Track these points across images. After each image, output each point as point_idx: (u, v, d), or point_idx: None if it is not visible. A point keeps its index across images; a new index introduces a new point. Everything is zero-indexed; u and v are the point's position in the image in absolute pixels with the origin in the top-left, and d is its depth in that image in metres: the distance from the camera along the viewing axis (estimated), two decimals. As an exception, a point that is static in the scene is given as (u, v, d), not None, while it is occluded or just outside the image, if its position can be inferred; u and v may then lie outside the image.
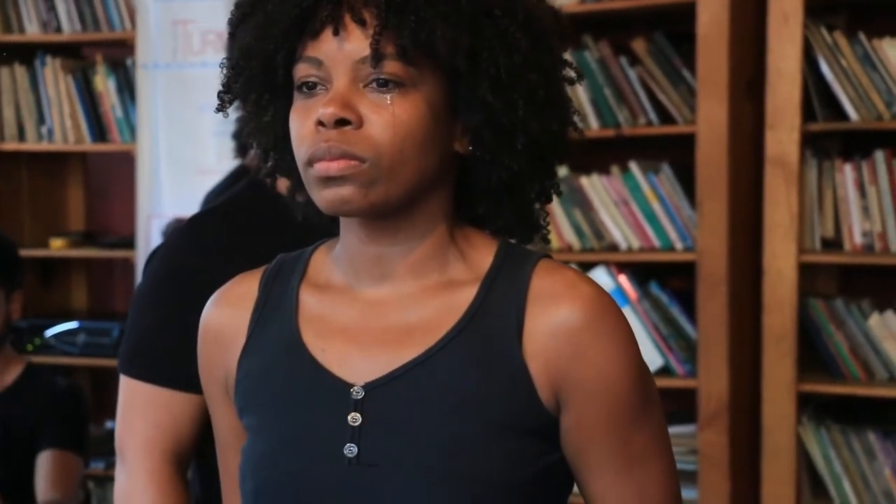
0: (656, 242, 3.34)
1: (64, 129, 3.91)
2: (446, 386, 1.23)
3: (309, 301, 1.31)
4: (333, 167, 1.18)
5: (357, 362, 1.27)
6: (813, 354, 3.26)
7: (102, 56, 4.00)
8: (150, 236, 3.70)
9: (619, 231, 3.37)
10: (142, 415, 1.77)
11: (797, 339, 3.14)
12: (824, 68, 3.20)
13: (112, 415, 3.89)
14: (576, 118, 1.33)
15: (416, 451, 1.23)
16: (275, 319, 1.32)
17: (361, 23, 1.17)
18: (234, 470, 1.34)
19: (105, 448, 3.93)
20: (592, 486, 1.28)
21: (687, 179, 3.28)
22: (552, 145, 1.28)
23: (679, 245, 3.31)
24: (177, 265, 1.79)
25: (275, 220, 1.66)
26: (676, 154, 3.41)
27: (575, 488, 1.31)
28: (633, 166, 3.34)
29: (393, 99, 1.18)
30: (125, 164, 3.94)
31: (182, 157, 3.69)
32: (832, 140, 3.35)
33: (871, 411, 3.25)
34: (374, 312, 1.28)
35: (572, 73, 1.33)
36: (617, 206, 3.37)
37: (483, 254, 1.29)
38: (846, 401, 3.24)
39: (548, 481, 1.26)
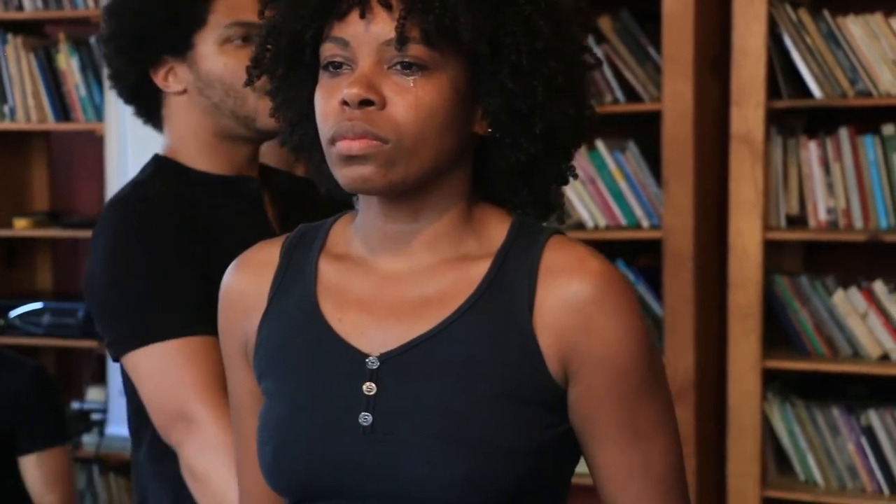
0: (623, 220, 3.34)
1: (26, 108, 3.85)
2: (458, 357, 1.27)
3: (327, 271, 1.34)
4: (356, 146, 1.21)
5: (372, 333, 1.30)
6: (778, 331, 3.27)
7: (65, 34, 3.92)
8: (115, 216, 3.62)
9: (585, 209, 3.36)
10: (188, 370, 1.73)
11: (762, 315, 3.15)
12: (789, 46, 3.21)
13: (79, 395, 3.89)
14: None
15: (428, 420, 1.26)
16: (295, 287, 1.34)
17: (387, 6, 1.19)
18: (250, 433, 1.36)
19: (72, 429, 3.89)
20: (598, 458, 1.31)
21: (653, 157, 3.28)
22: (569, 130, 1.31)
23: (645, 223, 3.31)
24: (143, 222, 1.79)
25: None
26: (642, 132, 3.39)
27: (582, 461, 1.35)
28: (600, 144, 3.33)
29: (416, 81, 1.21)
30: (89, 144, 3.88)
31: (149, 136, 3.54)
32: (797, 117, 3.35)
33: (835, 387, 3.27)
34: (390, 285, 1.31)
35: (592, 60, 1.35)
36: (583, 185, 3.37)
37: (497, 229, 1.32)
38: (811, 377, 3.26)
39: (555, 451, 1.30)
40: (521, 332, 1.28)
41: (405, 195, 1.27)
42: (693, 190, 3.14)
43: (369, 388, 1.28)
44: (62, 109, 3.86)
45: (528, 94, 1.25)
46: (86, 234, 3.96)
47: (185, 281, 1.78)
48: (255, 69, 1.31)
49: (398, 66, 1.21)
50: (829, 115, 3.32)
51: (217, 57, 1.85)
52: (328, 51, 1.23)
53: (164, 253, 1.79)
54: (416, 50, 1.20)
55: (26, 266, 4.13)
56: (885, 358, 3.17)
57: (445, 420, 1.26)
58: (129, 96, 1.97)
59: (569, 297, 1.27)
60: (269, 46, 1.29)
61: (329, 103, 1.22)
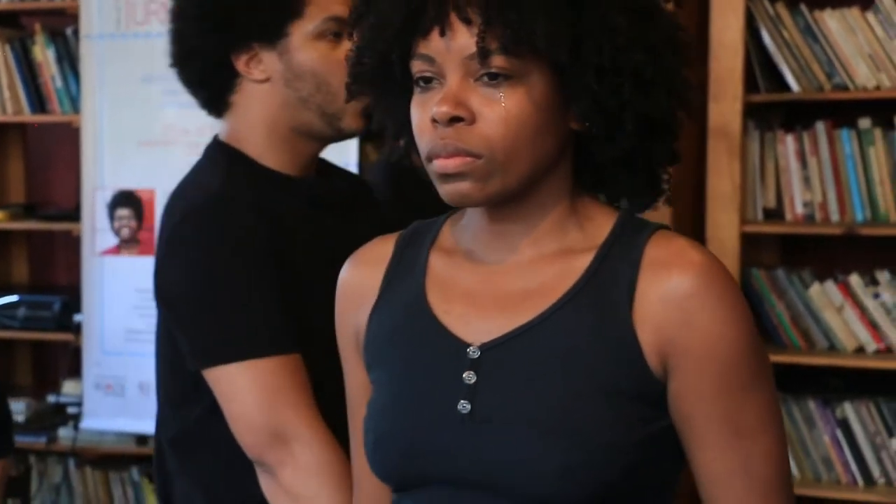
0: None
1: (2, 100, 3.86)
2: (557, 348, 1.29)
3: (437, 265, 1.39)
4: (450, 165, 1.26)
5: (476, 324, 1.34)
6: (755, 324, 3.30)
7: (41, 25, 3.94)
8: (95, 208, 3.67)
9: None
10: (288, 389, 1.75)
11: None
12: (766, 40, 3.24)
13: (55, 388, 3.88)
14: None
15: (525, 409, 1.28)
16: (405, 280, 1.40)
17: (467, 21, 1.23)
18: (361, 423, 1.41)
19: (48, 422, 3.91)
20: (698, 457, 1.31)
21: (631, 150, 3.31)
22: (665, 118, 1.33)
23: (623, 216, 3.33)
24: (228, 236, 1.80)
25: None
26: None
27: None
28: (578, 137, 3.35)
29: (504, 92, 1.25)
30: (66, 136, 3.89)
31: (125, 128, 3.66)
32: (774, 111, 3.38)
33: (811, 380, 3.30)
34: (495, 278, 1.35)
35: (685, 37, 1.36)
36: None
37: (601, 224, 1.35)
38: (787, 369, 3.28)
39: (656, 446, 1.30)
40: (621, 325, 1.29)
41: (507, 201, 1.31)
42: (671, 182, 3.16)
43: (469, 376, 1.31)
44: (38, 101, 3.87)
45: (616, 92, 1.27)
46: (62, 226, 3.99)
47: (272, 296, 1.79)
48: (354, 85, 1.36)
49: (485, 78, 1.25)
50: (806, 108, 3.36)
51: (311, 50, 1.84)
52: (416, 67, 1.27)
53: (253, 268, 1.80)
54: (498, 61, 1.24)
55: (2, 258, 4.13)
56: (860, 351, 3.20)
57: (542, 410, 1.28)
58: (197, 78, 1.95)
59: (669, 291, 1.29)
60: (362, 64, 1.33)
61: (422, 118, 1.27)
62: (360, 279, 1.45)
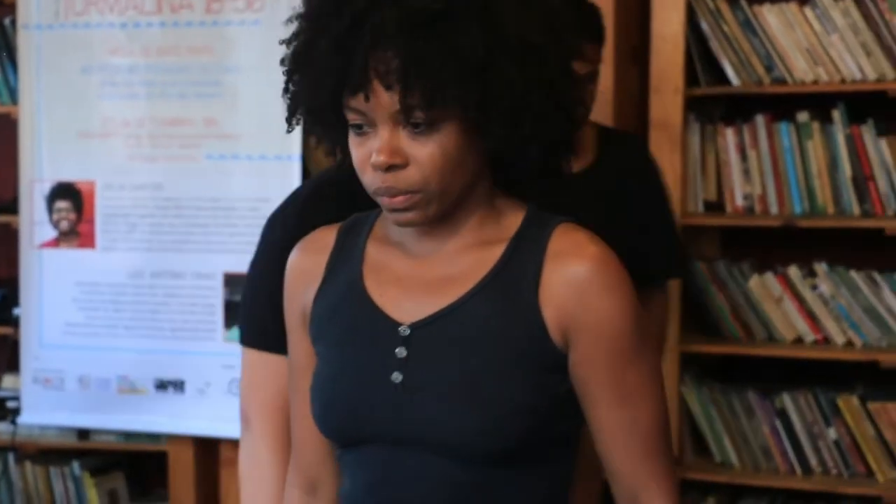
0: (543, 206, 3.40)
1: (-61, 91, 3.84)
2: (475, 327, 1.55)
3: (372, 253, 1.64)
4: (396, 202, 1.51)
5: (405, 306, 1.58)
6: (695, 316, 3.35)
7: None
8: (33, 201, 3.70)
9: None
10: (260, 382, 2.01)
11: (680, 300, 3.23)
12: (707, 34, 3.30)
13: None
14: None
15: (447, 380, 1.54)
16: (346, 266, 1.65)
17: (388, 88, 1.45)
18: (304, 387, 1.66)
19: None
20: (592, 415, 1.57)
21: (573, 143, 3.35)
22: (563, 136, 1.57)
23: (565, 208, 3.38)
24: (268, 240, 2.02)
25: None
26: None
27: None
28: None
29: (428, 138, 1.49)
30: (3, 128, 3.89)
31: (64, 120, 3.69)
32: (714, 104, 3.44)
33: (750, 371, 3.36)
34: (422, 267, 1.60)
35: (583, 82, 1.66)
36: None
37: (513, 219, 1.59)
38: (727, 360, 3.34)
39: (558, 407, 1.56)
40: (528, 306, 1.54)
41: (446, 213, 1.56)
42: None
43: (400, 351, 1.56)
44: (-25, 92, 3.86)
45: (519, 128, 1.50)
46: (0, 218, 3.97)
47: (276, 299, 1.91)
48: (291, 119, 1.61)
49: (410, 128, 1.48)
50: (746, 102, 3.42)
51: None
52: (350, 116, 1.50)
53: (266, 271, 1.97)
54: (420, 115, 1.46)
55: (-61, 252, 4.11)
56: (798, 342, 3.26)
57: (462, 380, 1.54)
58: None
59: (568, 276, 1.54)
60: (296, 109, 1.59)
61: (362, 159, 1.51)
62: (307, 264, 1.69)
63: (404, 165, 1.50)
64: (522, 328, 1.57)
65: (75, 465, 4.02)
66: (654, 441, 1.61)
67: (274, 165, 3.57)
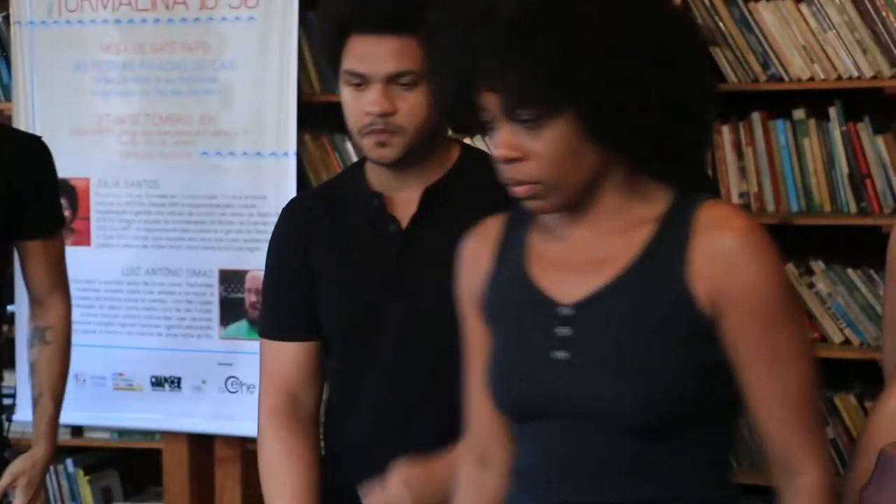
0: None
1: (-69, 88, 3.89)
2: (629, 305, 1.68)
3: (534, 240, 1.79)
4: (519, 191, 1.68)
5: (565, 288, 1.73)
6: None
7: None
8: (26, 197, 3.69)
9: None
10: (264, 365, 2.34)
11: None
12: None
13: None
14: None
15: (606, 355, 1.68)
16: (512, 252, 1.81)
17: (492, 91, 1.65)
18: (477, 368, 1.83)
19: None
20: (744, 381, 1.68)
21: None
22: (684, 111, 1.67)
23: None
24: (274, 235, 2.37)
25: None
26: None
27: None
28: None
29: (542, 133, 1.64)
30: (-3, 124, 3.89)
31: (58, 116, 3.71)
32: (711, 102, 3.47)
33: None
34: (577, 249, 1.75)
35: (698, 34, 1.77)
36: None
37: (660, 199, 1.72)
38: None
39: (711, 378, 1.68)
40: (678, 281, 1.67)
41: (574, 207, 1.71)
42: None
43: (563, 331, 1.71)
44: (-32, 89, 3.90)
45: (621, 125, 1.63)
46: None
47: (285, 291, 2.34)
48: (438, 112, 1.86)
49: (525, 124, 1.64)
50: (742, 99, 3.47)
51: (343, 91, 2.29)
52: (482, 115, 1.69)
53: (277, 265, 2.35)
54: (524, 112, 1.63)
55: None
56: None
57: (619, 355, 1.68)
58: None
59: (716, 248, 1.66)
60: (438, 104, 1.81)
61: (495, 153, 1.69)
62: (476, 250, 1.86)
63: (523, 158, 1.67)
64: (673, 302, 1.69)
65: (69, 462, 4.04)
66: (805, 407, 1.71)
67: (269, 162, 3.60)
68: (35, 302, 2.94)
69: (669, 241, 1.72)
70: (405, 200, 2.28)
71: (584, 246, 1.78)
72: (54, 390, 2.94)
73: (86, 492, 4.07)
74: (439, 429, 2.23)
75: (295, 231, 2.35)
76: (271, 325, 2.34)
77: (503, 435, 1.86)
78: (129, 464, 4.23)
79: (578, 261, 1.77)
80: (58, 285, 2.95)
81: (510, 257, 1.84)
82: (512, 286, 1.82)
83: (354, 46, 2.20)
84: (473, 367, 1.88)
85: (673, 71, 1.68)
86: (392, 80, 2.19)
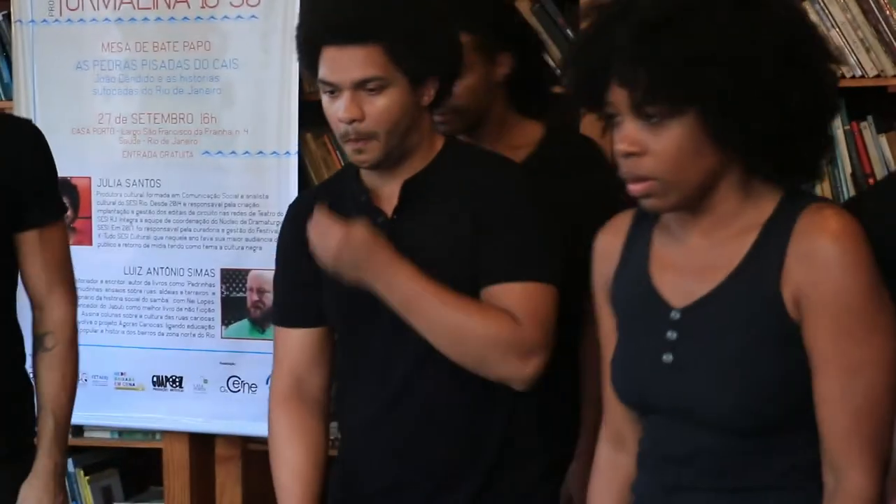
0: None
1: (-69, 87, 3.91)
2: (730, 311, 1.79)
3: (656, 239, 1.90)
4: (636, 189, 1.78)
5: (678, 291, 1.85)
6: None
7: None
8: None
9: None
10: (275, 351, 2.52)
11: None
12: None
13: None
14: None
15: (709, 359, 1.80)
16: (637, 250, 1.93)
17: (621, 85, 1.76)
18: (609, 357, 1.97)
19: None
20: (817, 385, 1.76)
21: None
22: (805, 120, 1.75)
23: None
24: (279, 235, 2.56)
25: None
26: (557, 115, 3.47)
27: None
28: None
29: (662, 131, 1.74)
30: (-2, 123, 3.89)
31: (59, 116, 3.72)
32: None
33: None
34: (693, 253, 1.86)
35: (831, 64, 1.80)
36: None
37: (769, 203, 1.80)
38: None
39: (805, 379, 1.76)
40: (772, 287, 1.76)
41: (690, 208, 1.81)
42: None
43: (671, 335, 1.83)
44: (-32, 88, 3.93)
45: (743, 130, 1.73)
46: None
47: (290, 281, 2.53)
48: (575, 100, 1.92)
49: (648, 119, 1.74)
50: None
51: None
52: (609, 108, 1.79)
53: (281, 258, 2.54)
54: (651, 109, 1.73)
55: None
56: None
57: (721, 360, 1.79)
58: None
59: (805, 252, 1.74)
60: (575, 94, 1.91)
61: (614, 146, 1.81)
62: (606, 245, 1.99)
63: (642, 154, 1.76)
64: (767, 308, 1.79)
65: (69, 462, 3.87)
66: (868, 418, 1.76)
67: (271, 161, 3.62)
68: (35, 306, 2.80)
69: (770, 247, 1.80)
70: (389, 193, 2.38)
71: (699, 251, 1.87)
72: (55, 403, 2.78)
73: (86, 492, 4.06)
74: (431, 407, 2.39)
75: (295, 231, 2.45)
76: (280, 315, 2.52)
77: (634, 418, 1.99)
78: (129, 463, 4.20)
79: (693, 266, 1.87)
80: (57, 284, 2.78)
81: (636, 254, 1.95)
82: (635, 283, 1.94)
83: (325, 57, 2.32)
84: (607, 355, 2.01)
85: (796, 82, 1.74)
86: (359, 86, 2.30)
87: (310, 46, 2.42)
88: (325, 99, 2.40)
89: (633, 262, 1.97)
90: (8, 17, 3.86)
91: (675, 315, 1.87)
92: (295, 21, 3.52)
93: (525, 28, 2.94)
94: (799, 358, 1.79)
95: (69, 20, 3.75)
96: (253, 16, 3.61)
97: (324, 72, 2.37)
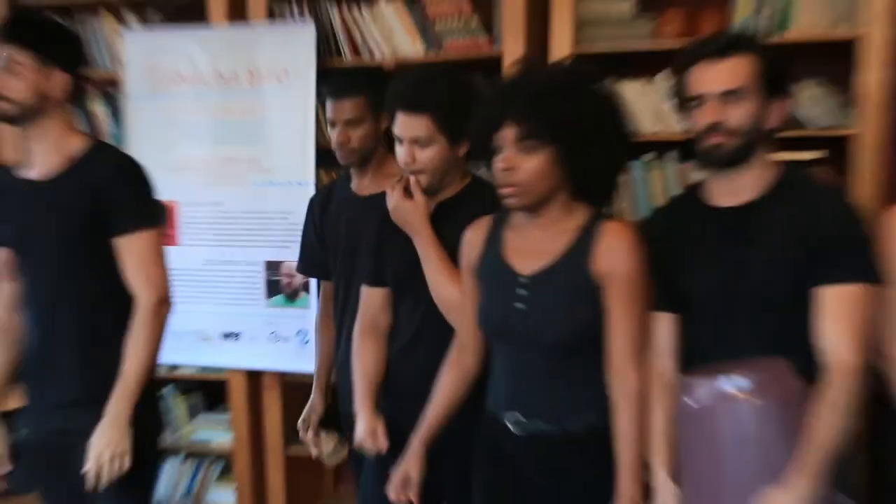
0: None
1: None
2: (559, 278, 2.33)
3: (508, 233, 2.41)
4: (506, 191, 2.28)
5: (524, 265, 2.37)
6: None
7: (93, 88, 4.42)
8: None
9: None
10: (360, 301, 2.97)
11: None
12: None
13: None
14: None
15: (546, 307, 2.33)
16: (496, 240, 2.44)
17: (509, 127, 2.26)
18: (471, 308, 2.52)
19: None
20: (609, 323, 2.34)
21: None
22: (616, 164, 2.34)
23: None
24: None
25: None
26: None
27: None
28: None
29: (529, 156, 2.24)
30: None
31: (155, 157, 3.92)
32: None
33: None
34: (531, 241, 2.37)
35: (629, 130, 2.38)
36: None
37: (582, 214, 2.37)
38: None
39: (599, 320, 2.34)
40: (586, 266, 2.32)
41: (533, 210, 2.31)
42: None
43: (521, 292, 2.38)
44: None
45: (581, 169, 2.26)
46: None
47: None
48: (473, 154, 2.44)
49: (521, 147, 2.24)
50: None
51: None
52: (495, 143, 2.30)
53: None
54: (523, 145, 2.23)
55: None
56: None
57: (553, 308, 2.32)
58: None
59: (607, 248, 2.31)
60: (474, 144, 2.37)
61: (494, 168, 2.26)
62: (473, 238, 2.52)
63: (514, 170, 2.26)
64: (583, 279, 2.32)
65: (169, 388, 4.58)
66: (633, 340, 2.35)
67: (296, 188, 3.97)
68: (134, 296, 2.83)
69: (585, 242, 2.34)
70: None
71: (537, 241, 2.39)
72: (125, 364, 2.77)
73: (179, 408, 4.65)
74: (433, 352, 2.83)
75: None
76: (370, 280, 2.91)
77: (479, 338, 2.56)
78: (207, 389, 4.67)
79: (533, 250, 2.39)
80: (138, 279, 2.80)
81: (494, 244, 2.46)
82: (494, 262, 2.44)
83: (398, 121, 2.76)
84: (470, 308, 2.53)
85: (611, 142, 2.32)
86: (412, 142, 2.75)
87: (390, 113, 2.82)
88: (397, 147, 2.79)
89: (492, 249, 2.48)
90: (120, 92, 4.33)
91: (523, 280, 2.38)
92: (312, 92, 3.94)
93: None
94: (598, 308, 2.35)
95: (163, 95, 4.22)
96: (284, 88, 4.00)
97: (396, 130, 2.80)
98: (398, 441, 2.78)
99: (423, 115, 2.67)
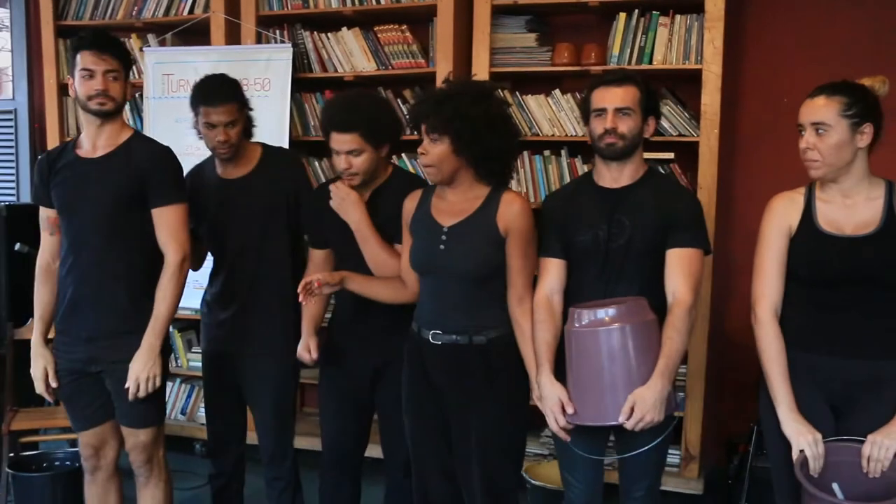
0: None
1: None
2: (471, 229, 3.03)
3: (434, 200, 3.13)
4: (427, 170, 2.99)
5: (446, 220, 3.08)
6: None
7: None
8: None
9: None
10: (316, 262, 3.55)
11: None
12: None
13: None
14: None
15: (461, 247, 3.04)
16: (425, 204, 3.15)
17: (427, 121, 3.01)
18: (406, 253, 3.19)
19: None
20: (509, 263, 3.00)
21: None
22: (502, 155, 3.02)
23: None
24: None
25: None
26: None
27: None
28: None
29: (436, 143, 2.91)
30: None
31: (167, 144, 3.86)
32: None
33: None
34: (450, 204, 3.07)
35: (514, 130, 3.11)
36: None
37: (486, 187, 3.05)
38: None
39: (502, 260, 3.04)
40: (493, 222, 3.01)
41: (449, 184, 3.00)
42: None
43: (444, 237, 3.05)
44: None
45: (480, 151, 2.92)
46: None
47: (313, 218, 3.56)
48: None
49: (431, 137, 2.93)
50: (523, 146, 4.77)
51: None
52: (424, 134, 2.96)
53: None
54: (433, 136, 2.93)
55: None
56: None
57: (466, 248, 3.00)
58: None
59: (507, 209, 2.98)
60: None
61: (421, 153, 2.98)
62: (410, 204, 3.16)
63: (428, 154, 2.83)
64: (491, 230, 2.92)
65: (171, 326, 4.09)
66: (527, 275, 2.92)
67: None
68: (164, 254, 3.38)
69: (490, 205, 2.97)
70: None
71: (455, 203, 3.02)
72: (157, 307, 3.34)
73: (179, 341, 5.48)
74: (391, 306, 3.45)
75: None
76: (313, 242, 3.55)
77: (414, 275, 3.15)
78: (199, 327, 4.85)
79: (452, 210, 3.01)
80: (167, 243, 3.37)
81: (423, 206, 3.08)
82: (424, 218, 3.05)
83: (333, 138, 3.29)
84: (405, 253, 3.11)
85: (499, 136, 2.92)
86: (349, 153, 3.29)
87: (325, 132, 3.35)
88: (334, 156, 3.34)
89: (422, 209, 3.08)
90: (141, 94, 5.25)
91: (445, 229, 2.97)
92: (287, 97, 4.75)
93: (398, 124, 3.62)
94: (500, 253, 2.96)
95: (172, 97, 5.06)
96: (266, 95, 4.87)
97: (333, 144, 3.34)
98: (338, 357, 3.60)
99: (353, 132, 3.35)
